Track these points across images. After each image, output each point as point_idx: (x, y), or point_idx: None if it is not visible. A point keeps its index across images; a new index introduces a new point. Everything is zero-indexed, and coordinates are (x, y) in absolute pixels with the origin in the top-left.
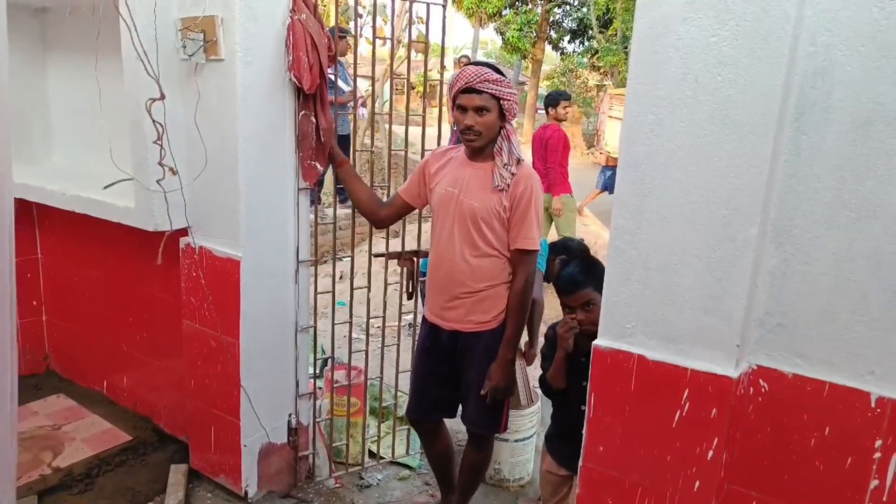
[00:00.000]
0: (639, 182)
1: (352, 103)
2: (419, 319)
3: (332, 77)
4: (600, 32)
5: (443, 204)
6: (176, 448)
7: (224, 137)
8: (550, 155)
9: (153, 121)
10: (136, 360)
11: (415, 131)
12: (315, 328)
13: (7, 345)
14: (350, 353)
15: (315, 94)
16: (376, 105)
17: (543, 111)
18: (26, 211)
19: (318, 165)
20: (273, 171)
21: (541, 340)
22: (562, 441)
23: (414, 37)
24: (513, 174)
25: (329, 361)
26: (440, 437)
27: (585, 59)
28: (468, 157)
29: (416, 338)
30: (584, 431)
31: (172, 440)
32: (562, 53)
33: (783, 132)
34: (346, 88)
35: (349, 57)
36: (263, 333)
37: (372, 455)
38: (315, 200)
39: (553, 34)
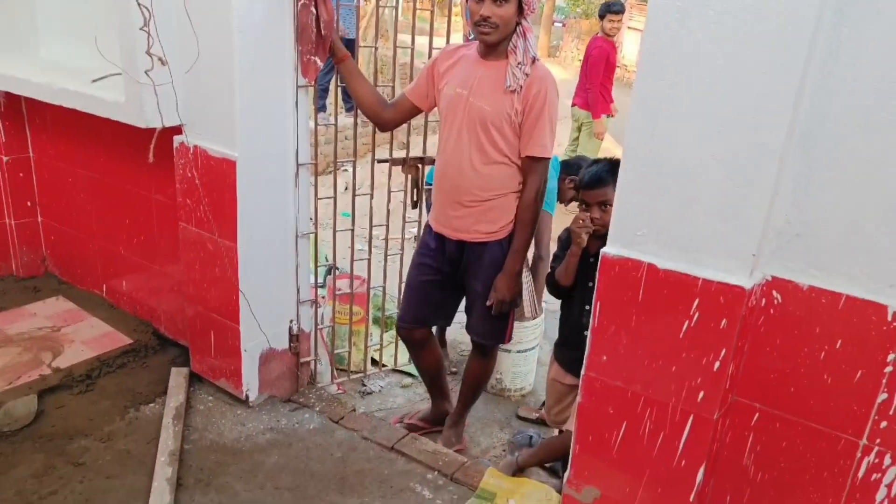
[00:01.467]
0: (659, 77)
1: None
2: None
3: None
4: None
5: (451, 106)
6: (177, 352)
7: (217, 27)
8: (591, 71)
9: (139, 3)
10: (134, 263)
11: (422, 41)
12: (316, 236)
13: None
14: (352, 262)
15: None
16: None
17: (561, 24)
18: (15, 106)
19: (318, 60)
20: (270, 66)
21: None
22: (566, 345)
23: None
24: (527, 75)
25: (332, 270)
26: (430, 347)
27: None
28: (480, 54)
29: (418, 243)
30: (587, 339)
31: (173, 344)
32: None
33: (823, 23)
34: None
35: None
36: (262, 238)
37: (374, 363)
38: (320, 108)
39: None
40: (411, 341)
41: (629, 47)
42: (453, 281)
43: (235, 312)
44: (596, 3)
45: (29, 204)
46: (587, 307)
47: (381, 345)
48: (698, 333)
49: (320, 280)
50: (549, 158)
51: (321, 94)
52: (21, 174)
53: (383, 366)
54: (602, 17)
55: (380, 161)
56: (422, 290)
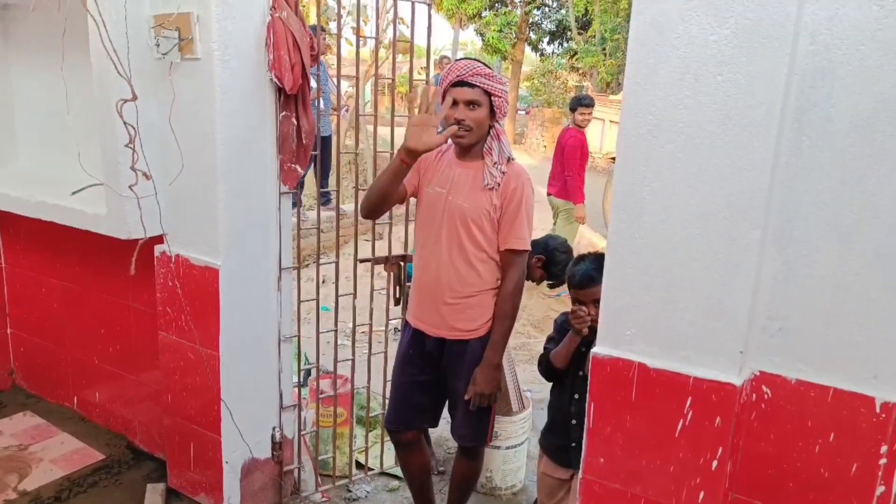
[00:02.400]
0: (637, 185)
1: (333, 104)
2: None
3: (315, 77)
4: (579, 34)
5: (430, 204)
6: (153, 466)
7: (201, 140)
8: (568, 161)
9: (125, 123)
10: (108, 373)
11: (399, 132)
12: (299, 336)
13: None
14: (336, 361)
15: (297, 94)
16: (360, 106)
17: (525, 112)
18: None
19: (299, 168)
20: (253, 175)
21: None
22: (555, 433)
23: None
24: (503, 173)
25: (313, 371)
26: (419, 449)
27: (564, 61)
28: (457, 156)
29: (399, 342)
30: (583, 442)
31: (149, 458)
32: (541, 55)
33: (784, 132)
34: (333, 90)
35: (329, 57)
36: (245, 344)
37: (360, 466)
38: (297, 202)
39: (532, 35)
40: (399, 443)
41: (593, 135)
42: (438, 381)
43: (217, 422)
44: (556, 92)
45: None
46: (576, 396)
47: (367, 446)
48: (694, 432)
49: (301, 380)
50: (528, 251)
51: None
52: None
53: (369, 469)
54: (573, 109)
55: (362, 261)
56: (407, 392)
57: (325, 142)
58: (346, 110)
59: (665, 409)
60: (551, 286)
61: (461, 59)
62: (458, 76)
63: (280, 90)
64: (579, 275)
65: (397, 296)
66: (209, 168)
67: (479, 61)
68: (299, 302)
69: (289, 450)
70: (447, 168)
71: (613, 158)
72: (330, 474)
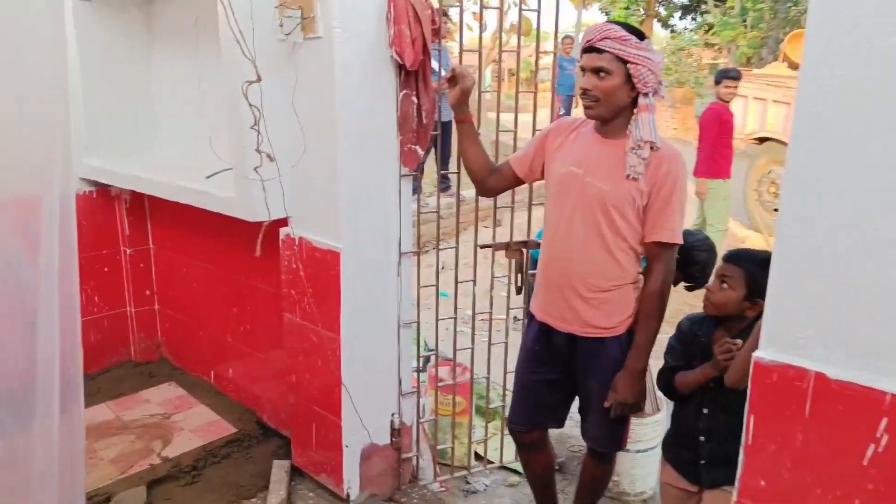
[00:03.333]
0: (822, 145)
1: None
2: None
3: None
4: (715, 6)
5: (563, 186)
6: (279, 443)
7: (322, 121)
8: (703, 133)
9: (250, 105)
10: (239, 351)
11: (521, 118)
12: (419, 322)
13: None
14: (455, 349)
15: (417, 71)
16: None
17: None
18: (138, 203)
19: (419, 149)
20: (374, 157)
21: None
22: (681, 446)
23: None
24: (643, 159)
25: (433, 357)
26: (544, 449)
27: (697, 36)
28: (597, 130)
29: (523, 336)
30: (740, 459)
31: (276, 434)
32: (672, 31)
33: None
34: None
35: (451, 44)
36: (365, 329)
37: (478, 458)
38: (417, 189)
39: (662, 11)
40: (523, 444)
41: (752, 117)
42: (566, 379)
43: (337, 406)
44: (688, 71)
45: (147, 293)
46: (704, 411)
47: (486, 438)
48: (889, 461)
49: (420, 366)
50: (678, 245)
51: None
52: (142, 265)
53: (489, 462)
54: (718, 82)
55: (482, 247)
56: (533, 390)
57: (446, 126)
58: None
59: (851, 430)
60: (689, 288)
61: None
62: (587, 41)
63: (401, 67)
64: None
65: (519, 284)
66: (330, 150)
67: (616, 23)
68: (419, 287)
69: (407, 437)
70: (586, 145)
71: (759, 139)
72: (448, 464)
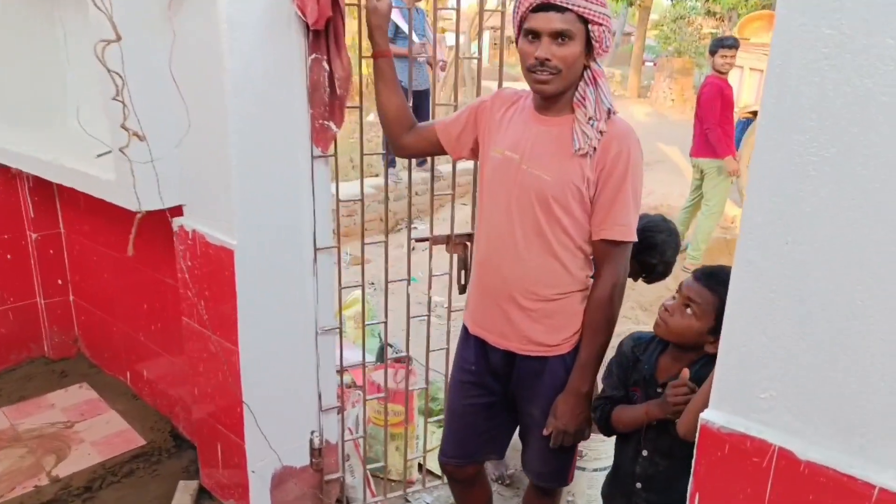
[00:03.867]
0: (798, 148)
1: (431, 56)
2: None
3: (403, 23)
4: None
5: (497, 174)
6: (193, 456)
7: (208, 92)
8: (705, 113)
9: (108, 70)
10: (152, 352)
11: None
12: (363, 318)
13: None
14: (407, 343)
15: (326, 30)
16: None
17: (652, 63)
18: (45, 181)
19: (332, 125)
20: (276, 135)
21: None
22: (617, 489)
23: None
24: (601, 133)
25: (386, 348)
26: (481, 484)
27: (699, 4)
28: (537, 108)
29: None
30: (639, 494)
31: (190, 446)
32: None
33: None
34: (416, 41)
35: (423, 5)
36: (272, 338)
37: (422, 470)
38: (392, 162)
39: None
40: (456, 479)
41: (747, 88)
42: (505, 402)
43: (240, 427)
44: (688, 40)
45: (60, 282)
46: (644, 453)
47: (426, 451)
48: None
49: (373, 360)
50: (632, 242)
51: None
52: (51, 251)
53: (432, 475)
54: (713, 52)
55: (418, 240)
56: (467, 418)
57: (422, 96)
58: (443, 68)
59: None
60: (648, 281)
61: None
62: None
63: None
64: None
65: (462, 282)
66: (219, 126)
67: None
68: (340, 288)
69: (332, 456)
70: (522, 125)
71: (754, 113)
72: (384, 476)
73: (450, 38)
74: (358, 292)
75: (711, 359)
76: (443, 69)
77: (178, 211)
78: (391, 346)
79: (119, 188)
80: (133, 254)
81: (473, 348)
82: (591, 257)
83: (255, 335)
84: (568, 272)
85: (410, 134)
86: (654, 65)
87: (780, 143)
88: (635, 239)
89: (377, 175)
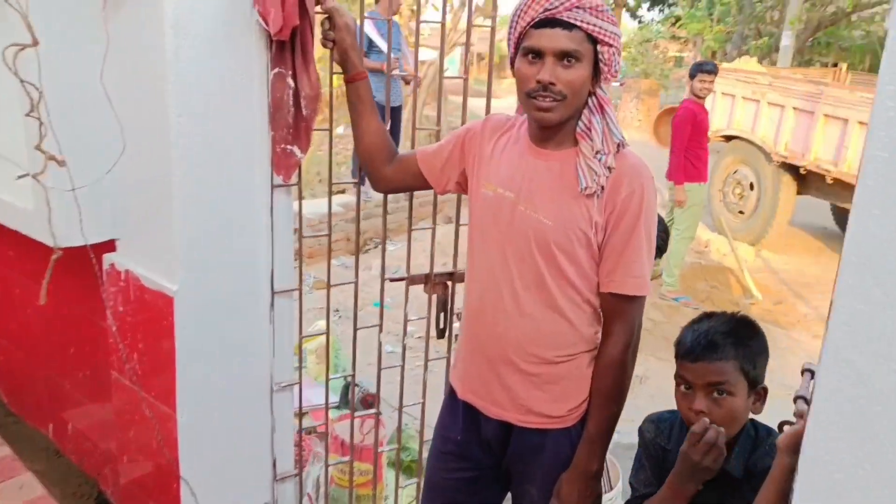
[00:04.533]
0: None
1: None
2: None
3: (377, 36)
4: None
5: (489, 214)
6: None
7: (149, 108)
8: (675, 135)
9: (21, 81)
10: (78, 402)
11: (473, 104)
12: (300, 382)
13: None
14: (379, 378)
15: (293, 42)
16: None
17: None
18: None
19: (297, 150)
20: (230, 161)
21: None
22: None
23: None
24: (609, 168)
25: (358, 390)
26: None
27: (665, 28)
28: (534, 140)
29: (439, 415)
30: None
31: None
32: (640, 22)
33: None
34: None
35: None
36: (218, 399)
37: None
38: (363, 179)
39: (630, 1)
40: None
41: (720, 112)
42: (494, 475)
43: None
44: (654, 62)
45: None
46: None
47: None
48: None
49: (335, 399)
50: (646, 296)
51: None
52: None
53: None
54: (693, 76)
55: (392, 280)
56: (447, 493)
57: (395, 112)
58: (418, 84)
59: None
60: None
61: None
62: (545, 9)
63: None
64: (692, 336)
65: (441, 325)
66: (160, 150)
67: None
68: (301, 337)
69: None
70: (517, 158)
71: (725, 137)
72: None
73: (421, 53)
74: (321, 323)
75: (755, 433)
76: (418, 85)
77: (110, 246)
78: (358, 385)
79: (35, 219)
80: (46, 301)
81: (462, 416)
82: (599, 311)
83: (197, 397)
84: (575, 329)
85: (392, 165)
86: (622, 85)
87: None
88: (649, 292)
89: (343, 192)
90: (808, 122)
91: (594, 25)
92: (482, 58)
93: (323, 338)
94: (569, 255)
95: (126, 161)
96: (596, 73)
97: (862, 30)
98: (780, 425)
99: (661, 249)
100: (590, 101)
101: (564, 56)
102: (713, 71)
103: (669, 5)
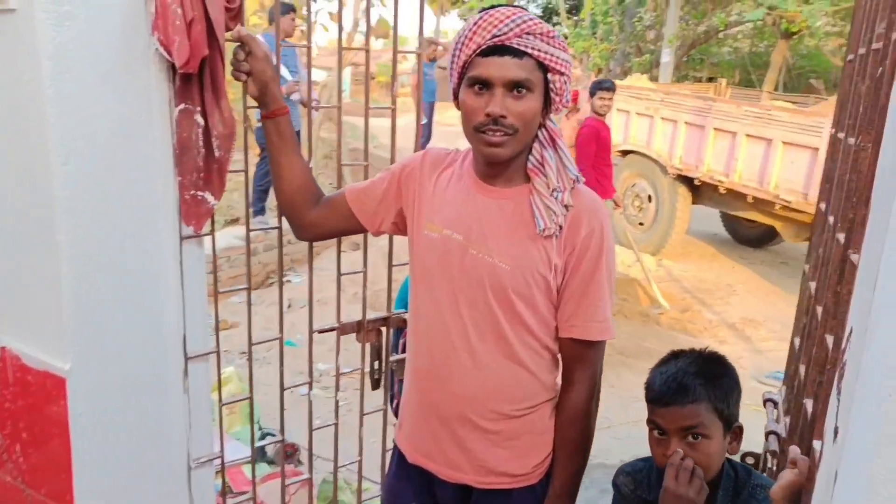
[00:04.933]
0: None
1: (303, 95)
2: (392, 423)
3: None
4: (567, 18)
5: (435, 257)
6: None
7: (25, 154)
8: (580, 153)
9: None
10: None
11: (377, 124)
12: (222, 456)
13: None
14: (311, 432)
15: (201, 74)
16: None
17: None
18: None
19: (209, 196)
20: (128, 213)
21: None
22: None
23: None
24: (567, 207)
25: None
26: None
27: None
28: (481, 176)
29: (384, 477)
30: None
31: None
32: None
33: None
34: (288, 78)
35: (293, 40)
36: (126, 490)
37: None
38: (258, 210)
39: None
40: None
41: (615, 128)
42: None
43: None
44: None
45: None
46: None
47: None
48: None
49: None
50: (608, 339)
51: (259, 195)
52: None
53: None
54: (592, 94)
55: (320, 331)
56: None
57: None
58: (317, 104)
59: None
60: None
61: (493, 7)
62: (494, 35)
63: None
64: (661, 379)
65: (376, 376)
66: (42, 202)
67: (524, 10)
68: (220, 403)
69: None
70: (463, 196)
71: (622, 152)
72: None
73: (314, 74)
74: (229, 369)
75: (734, 473)
76: (316, 109)
77: None
78: (272, 434)
79: None
80: None
81: (413, 481)
82: (557, 356)
83: (100, 490)
84: (535, 379)
85: (318, 208)
86: None
87: None
88: (613, 336)
89: (238, 219)
90: (700, 135)
91: (545, 53)
92: (372, 77)
93: (231, 385)
94: (527, 301)
95: None
96: (546, 104)
97: (729, 46)
98: (743, 458)
99: None
100: (540, 133)
101: (515, 86)
102: (611, 88)
103: (554, 25)
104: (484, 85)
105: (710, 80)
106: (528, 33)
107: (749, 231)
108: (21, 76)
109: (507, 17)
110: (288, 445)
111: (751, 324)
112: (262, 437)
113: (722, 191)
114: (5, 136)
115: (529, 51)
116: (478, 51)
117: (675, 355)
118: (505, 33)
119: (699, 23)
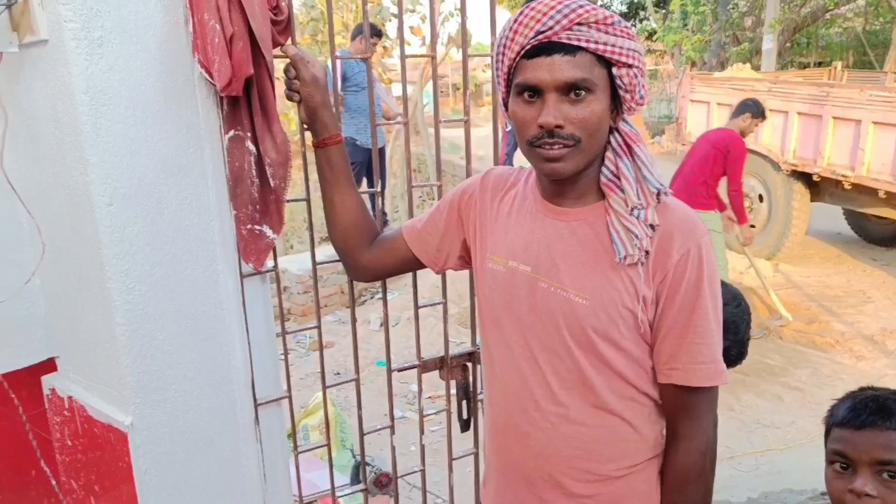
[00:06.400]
0: None
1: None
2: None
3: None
4: (656, 11)
5: (503, 292)
6: None
7: (68, 198)
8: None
9: None
10: None
11: (450, 133)
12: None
13: None
14: (359, 476)
15: (248, 96)
16: (416, 111)
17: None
18: None
19: (268, 230)
20: (183, 253)
21: None
22: None
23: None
24: (652, 227)
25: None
26: None
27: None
28: (547, 196)
29: None
30: None
31: None
32: None
33: None
34: (384, 97)
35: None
36: None
37: None
38: (382, 211)
39: None
40: None
41: (696, 122)
42: None
43: None
44: None
45: None
46: None
47: None
48: None
49: (343, 481)
50: (719, 385)
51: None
52: None
53: None
54: (740, 114)
55: (398, 370)
56: None
57: (380, 153)
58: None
59: None
60: None
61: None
62: (538, 32)
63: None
64: (855, 400)
65: (465, 416)
66: (90, 247)
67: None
68: (297, 451)
69: None
70: (529, 220)
71: None
72: None
73: (395, 89)
74: (320, 393)
75: None
76: (404, 124)
77: (46, 367)
78: (370, 464)
79: None
80: None
81: None
82: (660, 403)
83: None
84: (635, 432)
85: (373, 248)
86: None
87: None
88: (727, 381)
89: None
90: (817, 126)
91: (604, 44)
92: (457, 88)
93: (321, 412)
94: (611, 341)
95: (50, 265)
96: (616, 104)
97: (839, 27)
98: None
99: (738, 328)
100: (612, 139)
101: (570, 89)
102: (762, 116)
103: (641, 20)
104: (534, 92)
105: (819, 64)
106: (579, 24)
107: (881, 228)
108: (59, 115)
109: (550, 9)
110: (383, 475)
111: (893, 335)
112: (356, 465)
113: (847, 186)
114: (55, 180)
115: (584, 44)
116: (522, 52)
117: (871, 388)
118: (551, 27)
119: (802, 4)
